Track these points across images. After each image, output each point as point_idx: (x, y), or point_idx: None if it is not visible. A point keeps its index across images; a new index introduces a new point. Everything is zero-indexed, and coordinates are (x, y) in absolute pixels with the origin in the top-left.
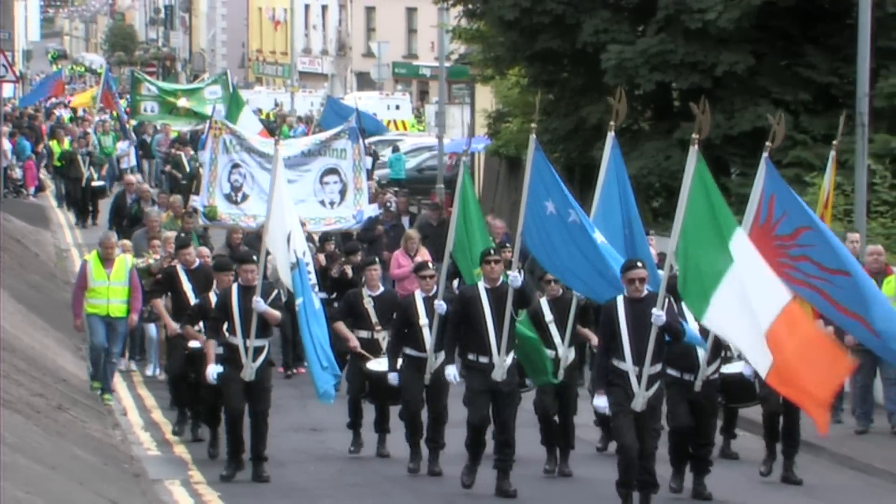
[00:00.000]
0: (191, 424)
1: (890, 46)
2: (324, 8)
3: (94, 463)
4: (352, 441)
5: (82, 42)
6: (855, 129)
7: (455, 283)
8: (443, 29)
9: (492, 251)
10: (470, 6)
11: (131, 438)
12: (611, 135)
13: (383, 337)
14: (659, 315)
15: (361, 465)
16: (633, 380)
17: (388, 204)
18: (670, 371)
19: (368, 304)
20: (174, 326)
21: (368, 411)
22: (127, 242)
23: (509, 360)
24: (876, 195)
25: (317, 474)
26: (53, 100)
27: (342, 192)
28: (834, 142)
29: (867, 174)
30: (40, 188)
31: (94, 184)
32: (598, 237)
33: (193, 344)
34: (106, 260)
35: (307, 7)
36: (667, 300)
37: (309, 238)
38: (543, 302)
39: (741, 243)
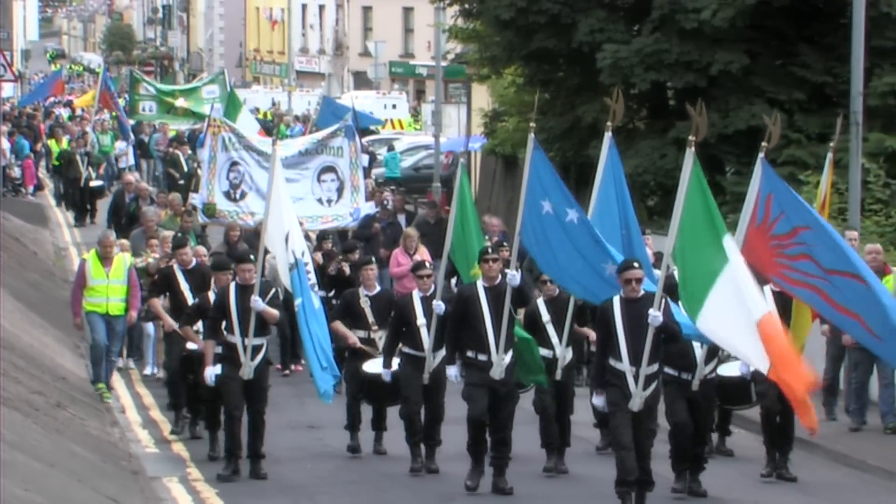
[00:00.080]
0: (189, 422)
1: (883, 46)
2: (321, 8)
3: (93, 460)
4: (349, 443)
5: (80, 42)
6: (849, 129)
7: (453, 281)
8: (439, 28)
9: (489, 250)
10: (466, 6)
11: (129, 436)
12: (608, 135)
13: (380, 336)
14: (656, 316)
15: (358, 462)
16: (630, 380)
17: (385, 202)
18: (668, 370)
19: (365, 304)
20: (172, 323)
21: (366, 411)
22: (125, 242)
23: (508, 358)
24: (870, 193)
25: (314, 471)
26: (52, 99)
27: (339, 190)
28: (831, 144)
29: (861, 173)
30: (39, 187)
31: (93, 183)
32: (598, 238)
33: (191, 346)
34: (105, 259)
35: (304, 7)
36: (663, 300)
37: (306, 236)
38: (540, 302)
39: (732, 248)
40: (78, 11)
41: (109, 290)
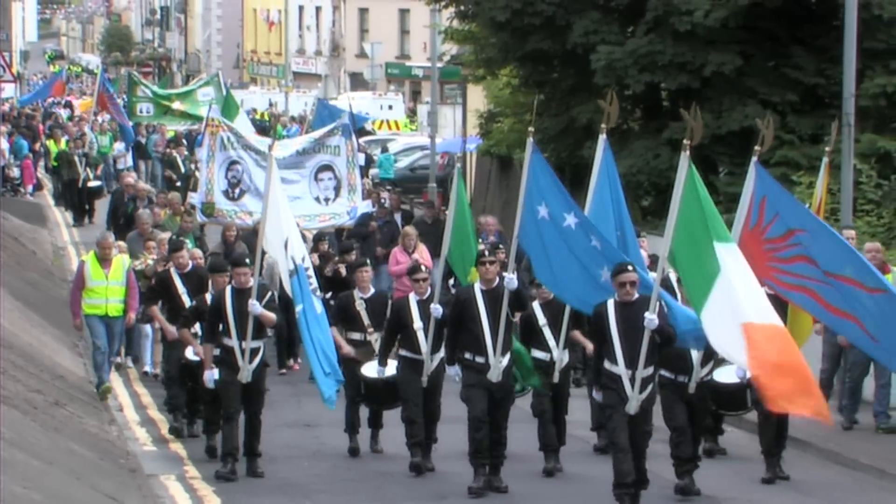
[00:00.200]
0: (186, 421)
1: (875, 48)
2: (317, 9)
3: (91, 458)
4: (350, 445)
5: (79, 43)
6: (841, 130)
7: (451, 281)
8: (435, 30)
9: (486, 252)
10: (462, 7)
11: (127, 434)
12: (602, 136)
13: (376, 339)
14: (651, 319)
15: (355, 461)
16: (626, 383)
17: (383, 200)
18: (665, 372)
19: (360, 307)
20: (172, 330)
21: (364, 410)
22: (122, 244)
23: (505, 361)
24: (861, 194)
25: (310, 470)
26: (51, 100)
27: (336, 189)
28: (827, 148)
29: (853, 173)
30: (38, 187)
31: (91, 184)
32: (596, 242)
33: (190, 354)
34: (103, 260)
35: (301, 8)
36: (658, 303)
37: (303, 237)
38: (536, 305)
39: (731, 251)
40: (76, 13)
41: (108, 291)
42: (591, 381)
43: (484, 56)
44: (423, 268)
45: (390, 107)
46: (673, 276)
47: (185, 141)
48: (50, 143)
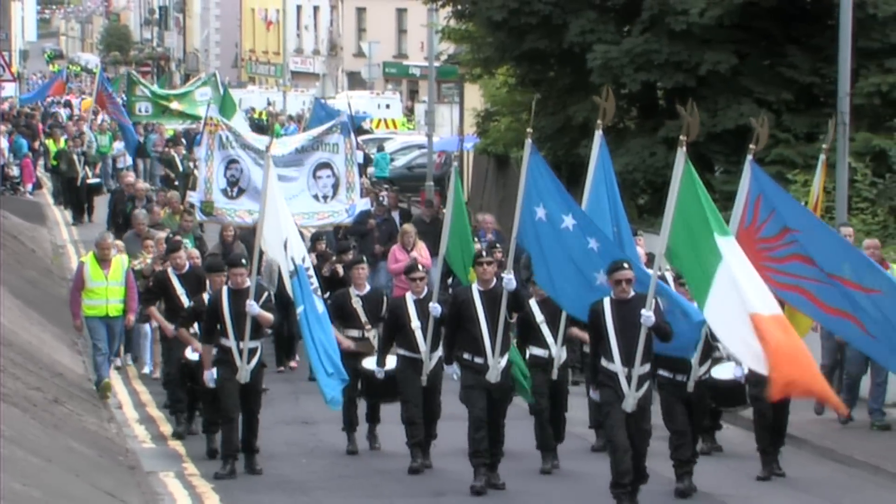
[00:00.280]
0: (186, 418)
1: (870, 47)
2: (315, 9)
3: (90, 455)
4: (348, 446)
5: (78, 42)
6: (837, 126)
7: (450, 280)
8: (432, 29)
9: (484, 253)
10: (459, 7)
11: (126, 432)
12: (598, 133)
13: (374, 335)
14: (648, 316)
15: (353, 458)
16: (623, 381)
17: (381, 198)
18: (663, 372)
19: (357, 304)
20: (170, 328)
21: (361, 406)
22: (119, 243)
23: (503, 361)
24: (856, 192)
25: (308, 467)
26: (50, 99)
27: (335, 187)
28: (824, 145)
29: (848, 172)
30: (37, 185)
31: (90, 181)
32: (594, 244)
33: (189, 354)
34: (103, 261)
35: (299, 8)
36: (654, 300)
37: (301, 235)
38: (533, 303)
39: (731, 244)
40: (75, 12)
41: (108, 292)
42: (588, 379)
43: (481, 55)
44: (419, 267)
45: (388, 106)
46: (669, 276)
47: (183, 140)
48: (49, 143)
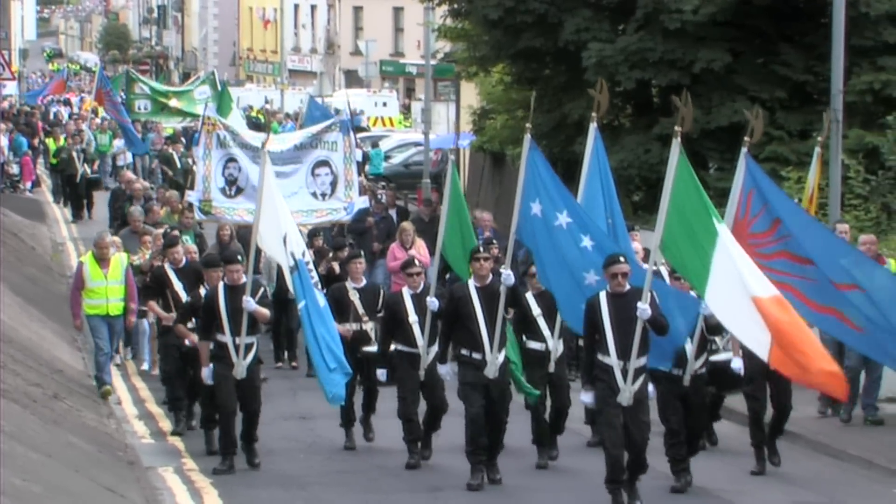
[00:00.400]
0: (185, 415)
1: (862, 45)
2: (313, 7)
3: (90, 451)
4: (346, 443)
5: (77, 41)
6: (830, 125)
7: (448, 276)
8: (429, 28)
9: (481, 248)
10: (455, 5)
11: (126, 427)
12: (593, 126)
13: (371, 328)
14: (644, 309)
15: (350, 453)
16: (619, 374)
17: (379, 196)
18: (659, 366)
19: (354, 297)
20: (169, 316)
21: (358, 400)
22: (117, 239)
23: (501, 357)
24: (849, 189)
25: (306, 462)
26: (50, 98)
27: (333, 185)
28: (819, 138)
29: (841, 168)
30: (36, 183)
31: (89, 176)
32: (588, 242)
33: (188, 341)
34: (101, 260)
35: (296, 6)
36: (650, 294)
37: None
38: (529, 296)
39: (725, 231)
40: (75, 11)
41: (108, 291)
42: (582, 377)
43: (477, 53)
44: (416, 262)
45: (384, 104)
46: (664, 270)
47: (182, 139)
48: (49, 141)
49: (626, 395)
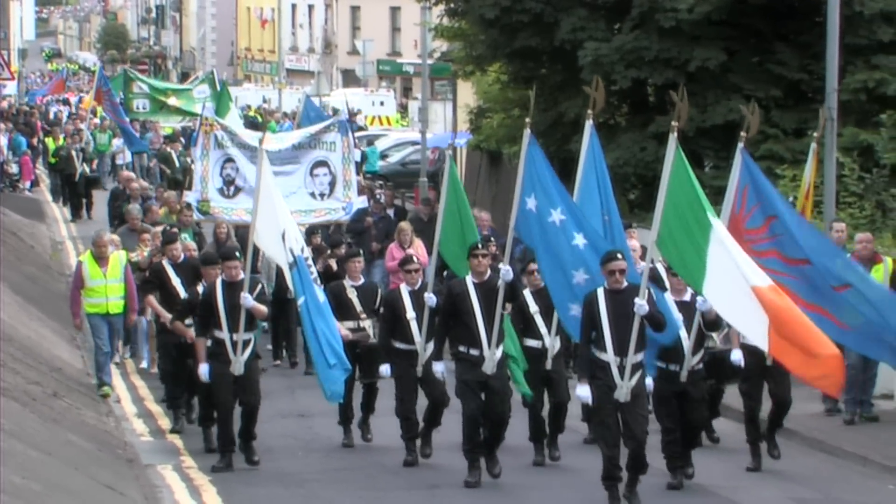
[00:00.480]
0: (184, 411)
1: (857, 43)
2: (310, 7)
3: (89, 449)
4: (343, 440)
5: (76, 41)
6: (825, 123)
7: (444, 273)
8: (426, 27)
9: (479, 245)
10: (452, 5)
11: (125, 425)
12: (589, 123)
13: (369, 325)
14: (641, 305)
15: (349, 451)
16: (615, 371)
17: (378, 196)
18: (656, 362)
19: (352, 294)
20: (168, 315)
21: (357, 399)
22: (116, 238)
23: (499, 353)
24: (844, 187)
25: (304, 459)
26: (49, 97)
27: (331, 185)
28: (815, 134)
29: (836, 166)
30: (35, 182)
31: (88, 175)
32: (580, 240)
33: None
34: (100, 258)
35: (294, 6)
36: (647, 290)
37: None
38: (527, 293)
39: (720, 224)
40: (73, 11)
41: (108, 289)
42: (578, 372)
43: (473, 53)
44: (414, 259)
45: (382, 103)
46: (661, 267)
47: (181, 138)
48: (48, 140)
49: (623, 392)
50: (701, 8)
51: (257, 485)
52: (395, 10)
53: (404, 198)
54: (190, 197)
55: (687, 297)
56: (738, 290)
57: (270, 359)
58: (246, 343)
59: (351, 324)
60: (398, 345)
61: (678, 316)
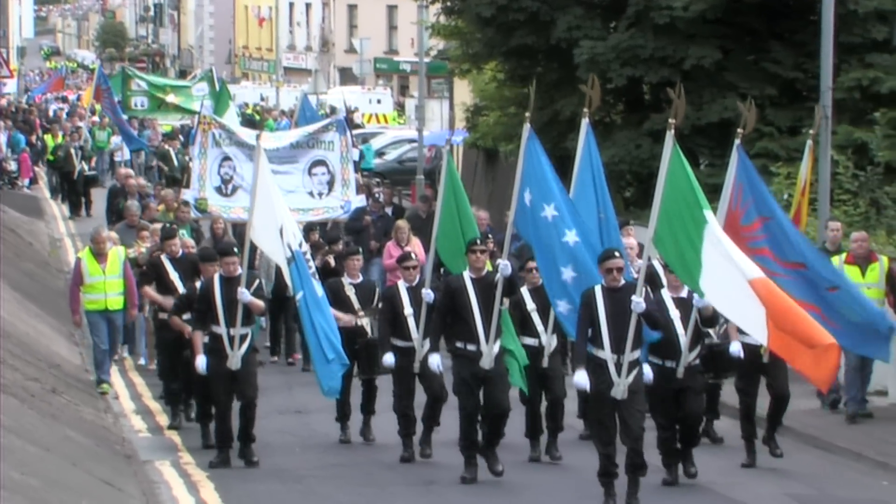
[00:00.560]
0: (181, 409)
1: (851, 42)
2: (307, 6)
3: (87, 445)
4: (341, 436)
5: (74, 39)
6: (820, 120)
7: (442, 270)
8: (422, 26)
9: (478, 241)
10: (448, 3)
11: (123, 422)
12: (585, 121)
13: (367, 322)
14: (638, 302)
15: (346, 447)
16: (612, 368)
17: (376, 194)
18: (652, 358)
19: (350, 292)
20: (168, 303)
21: (356, 399)
22: (113, 234)
23: (496, 347)
24: (838, 184)
25: (302, 455)
26: (49, 95)
27: (330, 184)
28: (811, 131)
29: (830, 164)
30: (34, 180)
31: (87, 173)
32: (572, 237)
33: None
34: (99, 255)
35: (291, 5)
36: (644, 288)
37: None
38: (524, 290)
39: (712, 217)
40: (72, 10)
41: (107, 286)
42: (573, 361)
43: (470, 51)
44: (412, 255)
45: (379, 101)
46: (658, 264)
47: (180, 136)
48: (47, 138)
49: (620, 389)
50: (696, 6)
51: (255, 481)
52: (391, 9)
53: (401, 195)
54: (188, 195)
55: (684, 294)
56: (734, 284)
57: (268, 355)
58: (243, 338)
59: (348, 320)
60: (396, 341)
61: (675, 312)
